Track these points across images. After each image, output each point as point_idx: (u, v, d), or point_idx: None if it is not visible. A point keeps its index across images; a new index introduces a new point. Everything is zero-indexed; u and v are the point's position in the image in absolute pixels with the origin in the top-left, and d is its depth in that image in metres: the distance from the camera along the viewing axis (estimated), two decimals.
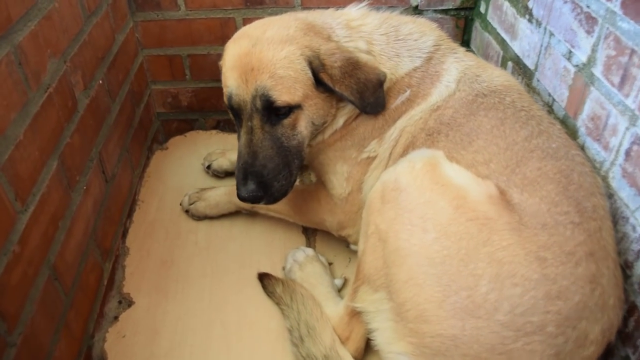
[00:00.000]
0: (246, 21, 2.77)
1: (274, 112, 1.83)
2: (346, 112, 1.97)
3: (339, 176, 2.03)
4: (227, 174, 2.77)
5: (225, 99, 1.91)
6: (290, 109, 1.84)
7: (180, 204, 2.58)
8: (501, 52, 2.51)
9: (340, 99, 1.94)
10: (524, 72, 2.28)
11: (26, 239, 1.56)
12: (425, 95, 1.93)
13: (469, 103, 1.86)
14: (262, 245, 2.38)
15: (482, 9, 2.71)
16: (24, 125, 1.60)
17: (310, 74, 1.83)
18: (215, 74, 2.95)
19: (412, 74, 1.97)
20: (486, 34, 2.67)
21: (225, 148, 2.88)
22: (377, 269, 1.66)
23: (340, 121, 1.98)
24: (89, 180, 2.07)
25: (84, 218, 2.00)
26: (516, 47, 2.35)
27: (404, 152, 1.89)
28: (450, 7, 2.77)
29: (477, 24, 2.79)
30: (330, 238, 2.31)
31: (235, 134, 3.12)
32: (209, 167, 2.77)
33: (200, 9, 2.74)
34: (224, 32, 2.80)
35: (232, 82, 1.84)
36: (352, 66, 1.84)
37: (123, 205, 2.49)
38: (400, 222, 1.59)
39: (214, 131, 3.17)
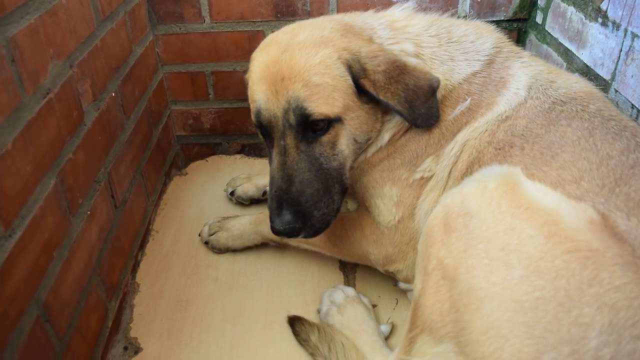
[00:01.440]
0: None
1: (310, 128, 1.55)
2: (392, 125, 1.68)
3: (387, 200, 1.71)
4: (252, 202, 2.48)
5: (252, 116, 1.64)
6: (329, 124, 1.56)
7: (199, 235, 2.28)
8: (564, 64, 2.20)
9: (385, 110, 1.66)
10: (595, 83, 1.96)
11: (9, 270, 1.26)
12: (490, 104, 1.63)
13: (546, 111, 1.56)
14: (293, 283, 2.05)
15: (539, 19, 2.42)
16: (13, 133, 1.32)
17: (350, 81, 1.55)
18: (242, 93, 2.71)
19: (472, 80, 1.67)
20: (544, 46, 2.38)
21: (250, 173, 2.59)
22: (442, 315, 1.32)
23: (385, 137, 1.69)
24: (95, 204, 1.79)
25: (87, 248, 1.71)
26: (585, 56, 2.04)
27: (468, 171, 1.58)
28: (502, 18, 2.49)
29: (532, 37, 2.50)
30: (372, 274, 1.98)
31: (263, 158, 2.91)
32: (232, 193, 2.48)
33: (227, 21, 2.50)
34: (251, 47, 2.53)
35: (260, 95, 1.57)
36: (399, 70, 1.56)
37: (135, 235, 2.20)
38: (474, 256, 1.26)
39: (238, 156, 2.89)
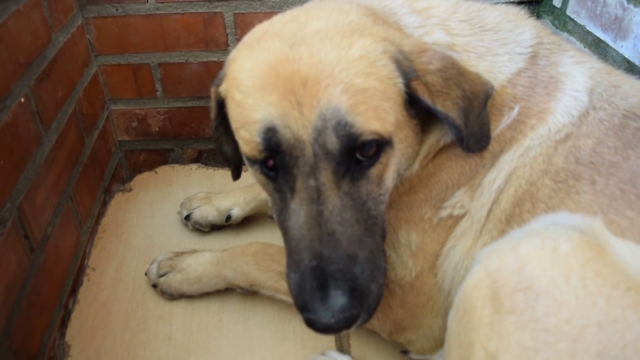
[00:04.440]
0: (238, 18, 2.04)
1: (354, 156, 1.05)
2: (425, 149, 1.23)
3: (402, 250, 1.27)
4: (213, 228, 2.00)
5: (248, 147, 1.09)
6: (380, 148, 1.07)
7: (146, 275, 1.80)
8: (594, 58, 1.81)
9: (425, 128, 1.22)
10: None
11: None
12: (542, 113, 1.20)
13: (618, 129, 1.15)
14: (269, 342, 1.61)
15: (557, 2, 2.02)
16: None
17: (401, 85, 1.08)
18: (196, 90, 2.22)
19: (516, 81, 1.24)
20: (564, 34, 1.98)
21: (209, 190, 2.12)
22: None
23: (416, 164, 1.24)
24: None
25: None
26: (626, 49, 1.66)
27: (516, 211, 1.15)
28: (511, 0, 2.08)
29: (546, 23, 2.10)
30: (373, 330, 1.56)
31: (225, 169, 2.42)
32: (188, 217, 2.00)
33: (176, 2, 2.00)
34: (207, 33, 2.07)
35: (270, 110, 1.03)
36: (456, 70, 1.11)
37: (63, 280, 1.70)
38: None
39: (194, 165, 2.40)
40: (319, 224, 1.03)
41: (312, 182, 1.04)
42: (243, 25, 2.06)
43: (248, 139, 1.08)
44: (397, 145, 1.10)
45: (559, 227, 0.99)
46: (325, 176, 1.03)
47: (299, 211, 1.05)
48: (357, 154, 1.04)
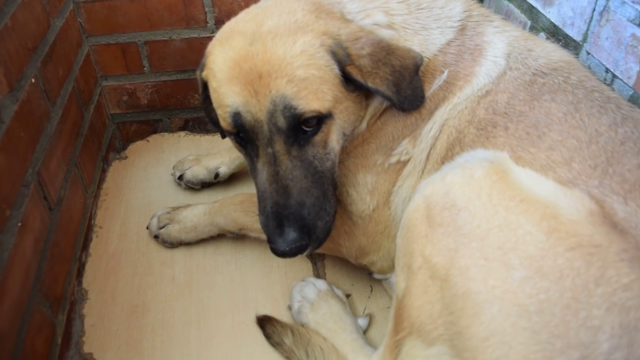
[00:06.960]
0: None
1: (300, 129, 1.38)
2: (370, 111, 1.53)
3: (361, 188, 1.57)
4: (204, 185, 2.28)
5: (224, 123, 1.43)
6: (320, 121, 1.39)
7: (148, 228, 2.07)
8: (529, 23, 2.09)
9: (368, 95, 1.51)
10: (565, 44, 1.86)
11: None
12: (468, 75, 1.49)
13: (528, 84, 1.44)
14: (258, 276, 1.91)
15: None
16: None
17: (337, 70, 1.38)
18: (180, 64, 2.46)
19: (446, 50, 1.53)
20: (505, 2, 2.25)
21: (198, 153, 2.38)
22: (433, 317, 1.22)
23: (364, 124, 1.54)
24: (26, 213, 1.55)
25: (22, 265, 1.49)
26: (552, 14, 1.93)
27: (448, 154, 1.46)
28: None
29: None
30: (343, 261, 1.85)
31: (209, 135, 2.68)
32: (180, 177, 2.26)
33: None
34: (188, 12, 2.29)
35: (236, 98, 1.36)
36: (385, 51, 1.40)
37: (76, 236, 1.97)
38: (468, 255, 1.15)
39: (182, 133, 2.65)
40: (276, 180, 1.38)
41: (269, 150, 1.38)
42: (220, 4, 2.29)
43: (223, 117, 1.42)
44: (337, 116, 1.41)
45: (475, 159, 1.29)
46: (279, 145, 1.37)
47: (262, 171, 1.40)
48: (302, 127, 1.37)
